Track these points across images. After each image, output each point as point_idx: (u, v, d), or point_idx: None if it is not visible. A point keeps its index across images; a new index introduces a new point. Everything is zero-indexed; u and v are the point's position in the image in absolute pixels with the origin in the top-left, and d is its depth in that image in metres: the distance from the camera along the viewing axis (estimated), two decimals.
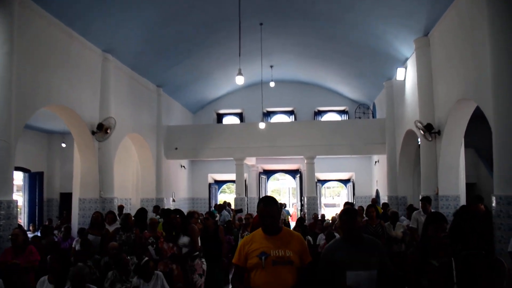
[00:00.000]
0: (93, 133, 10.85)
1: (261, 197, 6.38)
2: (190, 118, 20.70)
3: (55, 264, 5.16)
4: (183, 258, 6.29)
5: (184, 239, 6.45)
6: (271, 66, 16.99)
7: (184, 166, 19.62)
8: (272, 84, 17.04)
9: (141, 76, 14.29)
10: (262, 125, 16.26)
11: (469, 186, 12.50)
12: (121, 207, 12.93)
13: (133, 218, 8.46)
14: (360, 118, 19.24)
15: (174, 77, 15.87)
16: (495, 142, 6.77)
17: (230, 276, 9.03)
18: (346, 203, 12.75)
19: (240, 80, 10.09)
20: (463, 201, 10.09)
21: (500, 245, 6.37)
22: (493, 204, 6.66)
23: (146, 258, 5.93)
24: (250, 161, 19.55)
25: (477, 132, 11.95)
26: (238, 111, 21.39)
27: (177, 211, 6.82)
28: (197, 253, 6.14)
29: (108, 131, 10.96)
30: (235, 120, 21.45)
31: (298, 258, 3.46)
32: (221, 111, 21.58)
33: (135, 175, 15.83)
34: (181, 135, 17.45)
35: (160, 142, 16.24)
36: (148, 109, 15.28)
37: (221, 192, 25.03)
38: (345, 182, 22.44)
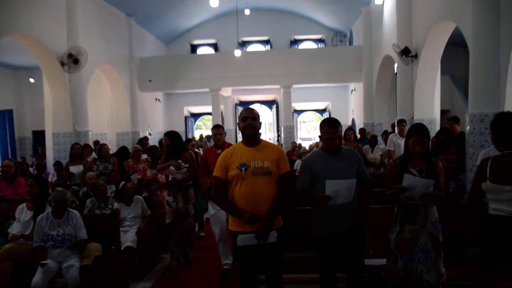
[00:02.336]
0: (62, 64, 10.42)
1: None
2: (163, 50, 20.08)
3: (33, 189, 5.10)
4: (179, 185, 5.78)
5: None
6: None
7: (159, 100, 19.30)
8: (247, 12, 16.48)
9: (109, 4, 13.60)
10: (237, 53, 15.91)
11: (443, 113, 12.70)
12: (96, 142, 12.75)
13: (110, 149, 8.32)
14: (337, 46, 18.99)
15: (145, 5, 15.16)
16: (472, 61, 6.76)
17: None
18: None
19: (214, 2, 9.67)
20: (437, 125, 10.26)
21: (471, 161, 6.56)
22: (467, 122, 6.78)
23: (123, 182, 5.92)
24: (226, 92, 19.33)
25: (453, 60, 11.98)
26: (213, 41, 20.81)
27: (168, 133, 5.97)
28: (191, 182, 5.92)
29: (79, 61, 10.53)
30: (210, 51, 20.90)
31: (276, 168, 3.50)
32: (195, 42, 20.96)
33: (110, 109, 15.53)
34: (154, 67, 16.98)
35: (133, 74, 15.81)
36: (118, 39, 14.70)
37: (197, 128, 24.88)
38: (321, 111, 22.53)
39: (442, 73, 11.20)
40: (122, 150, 8.77)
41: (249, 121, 3.51)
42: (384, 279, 3.83)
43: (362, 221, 3.62)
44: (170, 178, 5.77)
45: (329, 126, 3.56)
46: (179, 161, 5.63)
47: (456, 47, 11.02)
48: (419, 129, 3.63)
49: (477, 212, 3.30)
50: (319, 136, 3.65)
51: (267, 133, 31.22)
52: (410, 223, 3.56)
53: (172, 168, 5.62)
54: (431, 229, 3.56)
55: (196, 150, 9.04)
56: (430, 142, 4.68)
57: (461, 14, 7.57)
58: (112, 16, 14.07)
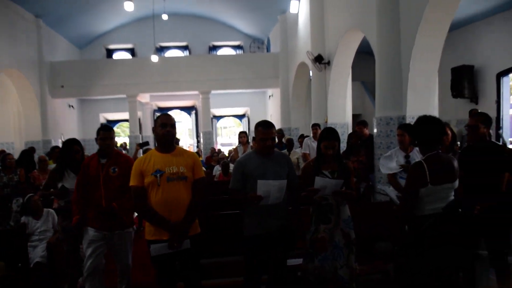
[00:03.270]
0: None
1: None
2: (76, 54, 19.25)
3: None
4: None
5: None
6: None
7: (72, 106, 18.45)
8: (165, 17, 16.28)
9: (14, 3, 12.79)
10: (155, 59, 15.66)
11: (355, 117, 13.38)
12: (2, 152, 11.89)
13: (15, 159, 7.77)
14: (255, 52, 19.34)
15: (56, 6, 14.44)
16: (378, 68, 7.25)
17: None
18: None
19: (129, 7, 9.47)
20: (350, 129, 10.80)
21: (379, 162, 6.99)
22: (374, 125, 7.24)
23: (30, 194, 5.55)
24: (144, 98, 18.93)
25: (364, 67, 12.70)
26: (130, 46, 20.30)
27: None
28: None
29: None
30: (127, 56, 20.37)
31: (191, 173, 3.51)
32: (111, 46, 20.32)
33: (17, 116, 14.55)
34: (67, 72, 16.21)
35: (43, 80, 14.98)
36: (26, 42, 13.85)
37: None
38: (240, 117, 22.78)
39: (354, 79, 11.83)
40: (26, 156, 8.13)
41: (168, 128, 3.49)
42: (300, 278, 3.97)
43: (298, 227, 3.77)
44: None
45: (264, 127, 3.69)
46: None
47: (366, 55, 11.67)
48: (329, 134, 3.81)
49: (407, 217, 3.41)
50: (253, 137, 3.76)
51: (187, 139, 30.93)
52: (325, 222, 3.73)
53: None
54: (343, 227, 3.75)
55: None
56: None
57: (368, 25, 8.08)
58: (18, 17, 13.24)
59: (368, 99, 15.99)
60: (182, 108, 22.19)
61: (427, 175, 3.18)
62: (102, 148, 4.17)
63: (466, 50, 12.04)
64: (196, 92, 17.49)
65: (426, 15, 6.31)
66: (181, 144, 25.18)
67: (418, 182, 3.22)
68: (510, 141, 6.92)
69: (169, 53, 20.76)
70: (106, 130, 4.23)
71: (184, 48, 20.73)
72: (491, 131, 5.50)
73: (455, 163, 3.34)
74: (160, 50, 20.28)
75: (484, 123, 4.01)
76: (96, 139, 4.20)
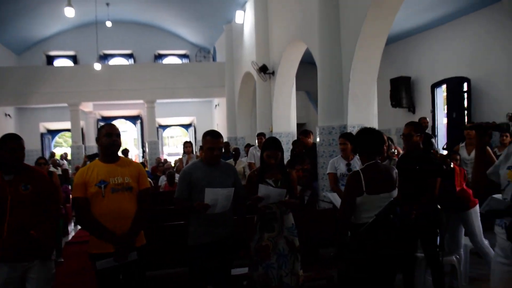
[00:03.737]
0: None
1: None
2: (13, 60, 18.37)
3: None
4: None
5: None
6: (107, 4, 15.83)
7: (9, 115, 17.58)
8: (109, 24, 15.96)
9: None
10: (98, 66, 15.29)
11: (300, 126, 13.67)
12: None
13: None
14: (201, 61, 19.33)
15: None
16: (320, 79, 7.48)
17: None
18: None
19: (70, 12, 9.18)
20: (295, 138, 11.00)
21: (323, 170, 7.18)
22: (317, 134, 7.44)
23: None
24: (87, 107, 18.40)
25: (308, 77, 13.00)
26: (71, 53, 19.68)
27: None
28: None
29: None
30: (68, 63, 19.74)
31: (137, 184, 3.46)
32: (52, 53, 19.61)
33: None
34: (3, 78, 15.48)
35: None
36: None
37: (56, 146, 23.14)
38: (186, 126, 22.63)
39: (298, 89, 12.10)
40: None
41: (114, 137, 3.41)
42: (246, 287, 3.99)
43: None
44: None
45: (212, 136, 3.68)
46: None
47: (310, 65, 11.96)
48: (271, 144, 3.89)
49: (346, 224, 3.48)
50: (200, 147, 3.76)
51: (133, 149, 30.32)
52: (269, 230, 3.78)
53: None
54: (287, 235, 3.82)
55: (52, 169, 8.45)
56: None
57: (310, 36, 8.32)
58: None
59: (312, 108, 16.33)
60: (127, 118, 21.76)
61: (363, 184, 3.28)
62: (10, 162, 3.26)
63: (403, 62, 12.65)
64: (141, 101, 17.21)
65: (364, 28, 6.60)
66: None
67: (354, 191, 3.32)
68: (443, 147, 7.35)
69: (113, 61, 20.35)
70: (15, 139, 3.33)
71: (129, 56, 20.39)
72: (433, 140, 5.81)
73: (394, 173, 3.49)
74: (104, 57, 19.83)
75: (416, 132, 4.23)
76: None
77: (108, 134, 3.40)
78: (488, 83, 9.81)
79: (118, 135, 3.45)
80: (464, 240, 5.07)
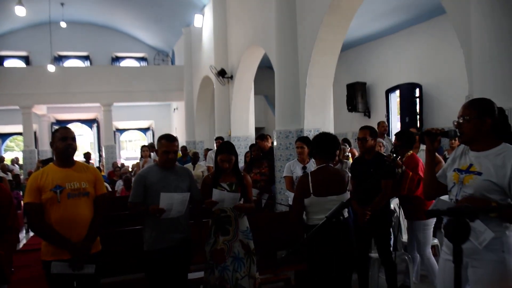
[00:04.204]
0: None
1: None
2: None
3: None
4: None
5: None
6: (62, 4, 15.41)
7: None
8: (63, 24, 15.54)
9: None
10: (51, 68, 14.86)
11: (258, 130, 13.76)
12: None
13: None
14: (159, 65, 19.14)
15: None
16: (277, 83, 7.58)
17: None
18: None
19: (20, 11, 8.89)
20: (252, 141, 11.08)
21: (280, 173, 7.27)
22: (274, 138, 7.53)
23: None
24: (40, 110, 17.84)
25: (266, 81, 13.12)
26: (23, 53, 19.01)
27: None
28: None
29: None
30: (20, 64, 19.04)
31: (93, 189, 3.40)
32: (2, 53, 18.86)
33: None
34: None
35: None
36: None
37: (6, 151, 22.23)
38: (144, 130, 22.33)
39: (257, 93, 12.19)
40: None
41: (69, 141, 3.33)
42: None
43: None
44: None
45: (167, 140, 3.69)
46: None
47: (268, 69, 12.09)
48: (225, 148, 3.93)
49: (296, 225, 3.65)
50: (156, 151, 3.74)
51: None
52: (223, 234, 3.81)
53: None
54: (242, 238, 3.85)
55: (1, 174, 8.16)
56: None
57: (268, 41, 8.42)
58: None
59: (271, 112, 16.46)
60: (83, 121, 21.27)
61: (310, 187, 3.45)
62: None
63: (359, 68, 12.98)
64: (97, 105, 16.84)
65: (320, 35, 6.75)
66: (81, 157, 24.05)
67: (302, 192, 3.50)
68: (390, 151, 7.62)
69: (68, 63, 19.83)
70: None
71: (85, 58, 19.93)
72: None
73: (346, 177, 3.62)
74: (59, 59, 19.28)
75: (371, 136, 4.38)
76: None
77: (63, 138, 3.32)
78: (438, 89, 10.22)
79: (73, 138, 3.37)
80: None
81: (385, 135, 8.20)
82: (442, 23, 9.60)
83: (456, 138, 6.62)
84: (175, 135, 15.27)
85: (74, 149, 3.37)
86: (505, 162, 2.37)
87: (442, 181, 2.67)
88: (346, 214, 3.59)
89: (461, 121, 2.50)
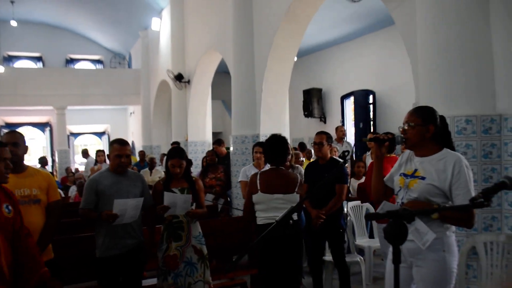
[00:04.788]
0: None
1: None
2: None
3: None
4: None
5: None
6: (12, 2, 14.85)
7: None
8: (14, 23, 15.00)
9: None
10: (0, 69, 14.28)
11: (216, 135, 13.75)
12: None
13: None
14: (115, 68, 18.80)
15: None
16: (234, 89, 7.65)
17: None
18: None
19: None
20: (210, 147, 11.07)
21: (236, 178, 7.30)
22: (231, 143, 7.58)
23: None
24: None
25: (224, 86, 13.13)
26: None
27: None
28: None
29: None
30: None
31: (46, 196, 3.30)
32: None
33: None
34: None
35: None
36: None
37: None
38: (100, 134, 21.84)
39: (214, 98, 12.19)
40: None
41: (10, 147, 3.23)
42: None
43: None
44: None
45: (119, 143, 3.65)
46: None
47: (226, 74, 12.15)
48: (175, 153, 3.93)
49: (248, 224, 3.77)
50: (108, 155, 3.71)
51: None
52: (176, 239, 3.79)
53: None
54: (195, 243, 3.85)
55: None
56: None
57: (225, 47, 8.48)
58: None
59: (228, 117, 16.44)
60: (35, 124, 20.53)
61: (257, 183, 3.62)
62: None
63: (315, 74, 13.23)
64: (50, 108, 16.31)
65: (276, 41, 6.86)
66: (34, 162, 23.22)
67: (251, 189, 3.68)
68: (339, 156, 7.85)
69: (19, 64, 19.16)
70: None
71: (37, 59, 19.32)
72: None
73: (296, 179, 3.71)
74: (9, 59, 18.57)
75: (327, 141, 4.50)
76: None
77: (3, 145, 3.22)
78: (390, 96, 10.56)
79: (15, 144, 3.24)
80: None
81: (344, 140, 8.42)
82: (394, 32, 9.91)
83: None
84: (131, 139, 15.19)
85: (16, 155, 3.19)
86: (446, 166, 2.51)
87: (390, 185, 2.79)
88: (295, 217, 3.67)
89: (406, 127, 2.63)
